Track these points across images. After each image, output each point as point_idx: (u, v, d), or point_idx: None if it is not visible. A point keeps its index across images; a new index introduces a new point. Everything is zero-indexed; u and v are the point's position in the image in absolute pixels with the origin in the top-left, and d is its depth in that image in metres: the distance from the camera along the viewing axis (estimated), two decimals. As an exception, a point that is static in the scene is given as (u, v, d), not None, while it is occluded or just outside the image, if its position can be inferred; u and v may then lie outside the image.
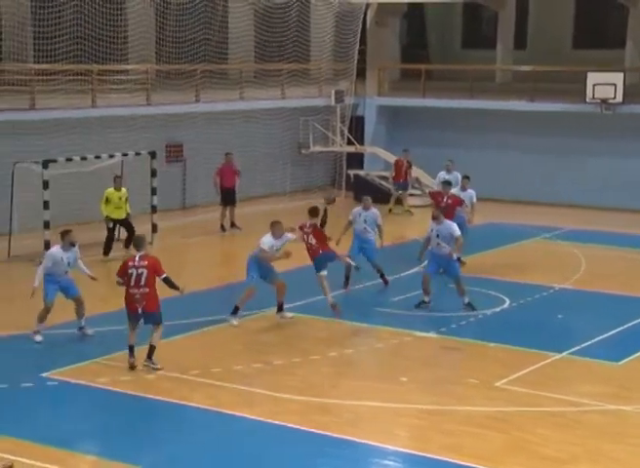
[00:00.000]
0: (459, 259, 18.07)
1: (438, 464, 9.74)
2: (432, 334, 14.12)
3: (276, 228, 14.64)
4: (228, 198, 22.19)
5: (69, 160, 19.28)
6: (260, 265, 14.55)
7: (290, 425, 10.58)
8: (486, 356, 13.26)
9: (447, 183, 18.36)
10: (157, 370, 12.27)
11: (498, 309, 15.56)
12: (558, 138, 26.31)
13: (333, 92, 27.27)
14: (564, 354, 13.23)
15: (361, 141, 28.20)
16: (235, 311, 14.51)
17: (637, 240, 21.21)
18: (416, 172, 26.28)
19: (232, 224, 22.27)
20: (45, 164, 18.29)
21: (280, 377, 12.20)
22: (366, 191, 26.31)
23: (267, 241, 14.61)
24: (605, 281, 17.44)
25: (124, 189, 19.12)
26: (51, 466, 9.44)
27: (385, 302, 15.75)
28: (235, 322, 14.47)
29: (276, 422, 10.64)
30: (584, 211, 25.14)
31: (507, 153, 27.04)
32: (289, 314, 14.84)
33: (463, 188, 18.63)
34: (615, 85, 24.28)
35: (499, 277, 17.63)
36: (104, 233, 19.07)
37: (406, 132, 28.17)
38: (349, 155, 28.01)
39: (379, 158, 27.65)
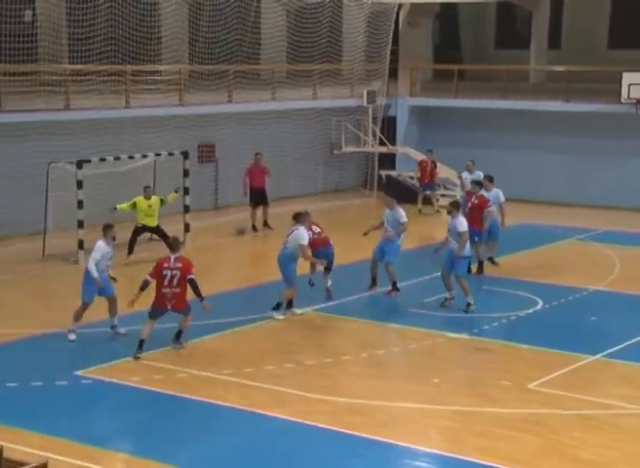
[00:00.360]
0: (491, 260, 18.01)
1: (471, 466, 9.68)
2: (464, 336, 14.06)
3: (306, 219, 14.73)
4: (258, 198, 22.14)
5: (103, 160, 19.42)
6: (290, 262, 14.63)
7: (321, 425, 10.58)
8: (518, 358, 13.18)
9: (476, 184, 18.21)
10: (182, 348, 12.97)
11: (530, 311, 15.45)
12: (592, 139, 26.09)
13: (365, 92, 27.24)
14: (598, 356, 13.12)
15: (393, 142, 28.15)
16: (277, 307, 14.66)
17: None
18: (446, 172, 26.20)
19: (265, 224, 22.29)
20: (79, 164, 18.44)
21: (311, 378, 12.21)
22: (397, 192, 26.39)
23: (305, 234, 14.54)
24: (638, 282, 17.26)
25: (155, 197, 18.92)
26: (84, 463, 9.51)
27: (417, 303, 15.70)
28: (280, 316, 14.65)
29: (308, 422, 10.65)
30: (619, 212, 24.90)
31: (540, 154, 26.85)
32: (298, 310, 14.96)
33: (487, 189, 18.29)
34: (650, 85, 24.04)
35: (531, 278, 17.51)
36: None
37: (438, 132, 28.08)
38: (381, 155, 27.97)
39: (410, 158, 27.58)
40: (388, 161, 28.05)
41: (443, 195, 26.19)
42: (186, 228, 20.44)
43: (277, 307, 14.71)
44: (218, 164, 25.03)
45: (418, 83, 29.05)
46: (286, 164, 26.18)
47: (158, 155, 20.41)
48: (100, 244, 13.65)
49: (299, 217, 14.90)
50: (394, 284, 16.10)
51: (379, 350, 13.40)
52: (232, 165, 24.84)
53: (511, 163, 26.98)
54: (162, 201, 18.92)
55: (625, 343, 13.70)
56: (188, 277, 12.85)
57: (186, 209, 20.56)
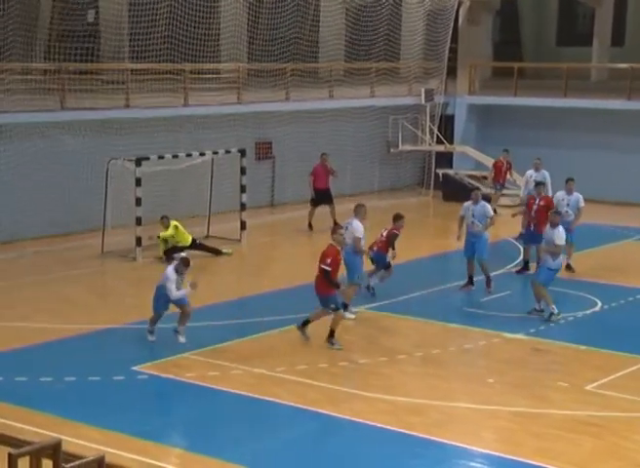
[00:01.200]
0: (568, 266, 17.53)
1: (528, 468, 9.60)
2: (521, 336, 13.91)
3: (362, 211, 14.76)
4: (321, 198, 21.99)
5: (161, 158, 19.63)
6: (352, 259, 14.50)
7: (376, 424, 10.55)
8: (576, 359, 13.01)
9: (539, 184, 17.91)
10: (338, 349, 13.06)
11: (589, 311, 15.24)
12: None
13: (423, 90, 27.11)
14: (659, 359, 12.90)
15: (451, 140, 27.96)
16: (345, 307, 14.22)
17: None
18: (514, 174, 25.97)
19: (335, 223, 21.53)
20: (138, 161, 18.66)
21: (366, 376, 12.19)
22: (454, 190, 26.29)
23: (359, 227, 14.51)
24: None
25: (173, 223, 18.62)
26: (141, 458, 9.61)
27: (474, 303, 15.57)
28: (352, 315, 14.53)
29: (362, 421, 10.62)
30: None
31: (602, 153, 26.43)
32: (351, 315, 14.63)
33: (569, 191, 17.81)
34: None
35: (591, 279, 17.27)
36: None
37: (497, 131, 27.82)
38: (438, 154, 27.81)
39: (468, 157, 27.38)
40: (446, 160, 27.87)
41: (503, 195, 25.94)
42: (243, 226, 20.55)
43: (345, 307, 14.11)
44: (275, 161, 25.13)
45: (477, 81, 28.81)
46: (343, 162, 26.14)
47: (216, 153, 20.56)
48: (170, 272, 13.13)
49: (355, 210, 14.91)
50: (488, 278, 16.18)
51: (434, 350, 13.32)
52: (289, 163, 24.93)
53: (572, 162, 26.53)
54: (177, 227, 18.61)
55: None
56: (322, 266, 13.07)
57: (243, 206, 20.67)
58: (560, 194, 17.80)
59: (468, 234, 16.29)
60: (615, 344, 13.43)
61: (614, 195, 25.83)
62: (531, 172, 20.44)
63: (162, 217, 18.74)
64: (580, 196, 17.82)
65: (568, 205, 17.60)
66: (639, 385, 11.89)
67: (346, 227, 14.49)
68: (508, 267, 18.00)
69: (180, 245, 18.33)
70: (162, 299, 13.24)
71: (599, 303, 15.63)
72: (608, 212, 24.77)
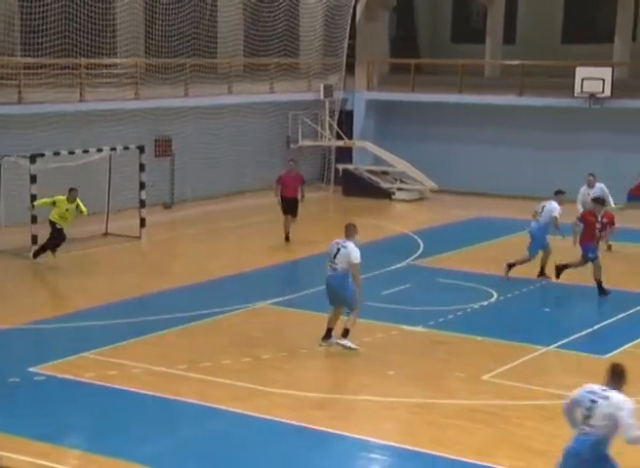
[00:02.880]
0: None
1: (427, 458, 9.75)
2: (420, 328, 14.13)
3: (355, 232, 12.88)
4: (290, 207, 20.03)
5: (57, 154, 19.20)
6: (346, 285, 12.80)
7: (278, 419, 10.57)
8: (473, 349, 13.28)
9: (598, 201, 16.62)
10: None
11: (485, 303, 15.58)
12: (546, 133, 26.34)
13: (322, 86, 27.25)
14: (551, 347, 13.25)
15: (350, 136, 28.19)
16: (346, 334, 12.87)
17: (626, 234, 21.22)
18: (402, 165, 26.26)
19: (286, 238, 20.06)
20: (32, 158, 18.22)
21: (268, 372, 12.19)
22: (355, 186, 26.53)
23: (357, 252, 12.67)
24: (589, 274, 17.41)
25: (78, 201, 17.96)
26: (38, 461, 9.41)
27: (374, 296, 15.71)
28: (354, 346, 12.87)
29: (265, 416, 10.63)
30: (570, 205, 25.07)
31: (496, 148, 27.04)
32: (350, 344, 12.90)
33: (590, 184, 18.67)
34: (603, 79, 24.32)
35: (487, 271, 17.64)
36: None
37: (395, 126, 28.19)
38: (338, 150, 28.00)
39: (367, 152, 27.66)
40: (346, 155, 28.08)
41: (400, 189, 26.31)
42: (142, 223, 20.30)
43: (346, 334, 12.87)
44: (174, 158, 24.88)
45: (375, 77, 29.10)
46: (243, 158, 26.11)
47: (114, 149, 20.24)
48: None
49: (348, 231, 12.87)
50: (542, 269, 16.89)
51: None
52: (189, 160, 24.71)
53: (467, 156, 27.19)
54: (79, 209, 17.97)
55: (579, 334, 13.88)
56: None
57: (142, 203, 20.41)
58: (583, 189, 18.68)
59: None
60: (510, 334, 13.78)
61: (508, 189, 26.46)
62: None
63: (71, 189, 17.93)
64: (603, 185, 18.89)
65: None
66: (532, 374, 12.22)
67: (339, 249, 12.77)
68: (408, 260, 18.26)
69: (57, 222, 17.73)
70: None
71: (495, 295, 16.00)
72: (503, 205, 25.38)
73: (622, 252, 19.41)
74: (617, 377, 7.75)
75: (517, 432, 10.37)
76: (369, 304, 15.31)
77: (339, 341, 12.90)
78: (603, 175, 25.37)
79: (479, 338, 13.67)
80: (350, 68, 28.65)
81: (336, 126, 27.81)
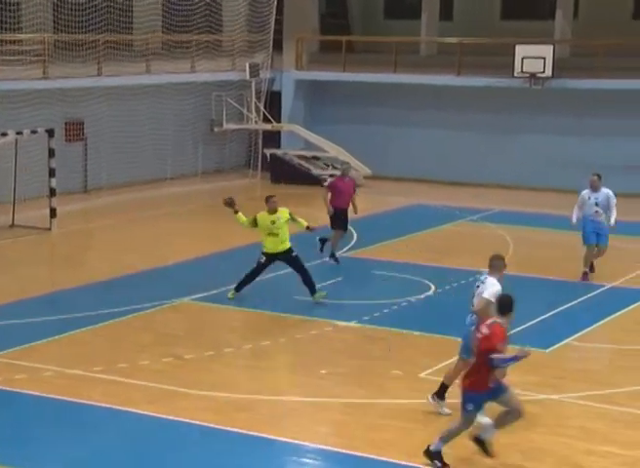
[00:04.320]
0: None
1: (362, 461, 9.78)
2: (354, 324, 14.19)
3: (501, 267, 11.01)
4: (341, 220, 17.81)
5: (-43, 138, 18.80)
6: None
7: (202, 423, 10.51)
8: (410, 345, 13.38)
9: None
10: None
11: (422, 296, 15.71)
12: (486, 114, 26.64)
13: (247, 65, 27.11)
14: (491, 342, 13.41)
15: (278, 119, 28.12)
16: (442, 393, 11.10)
17: (567, 221, 21.59)
18: (333, 149, 26.26)
19: (332, 255, 17.86)
20: None
21: (191, 372, 12.11)
22: (282, 172, 26.46)
23: (494, 287, 10.74)
24: (533, 264, 17.74)
25: (283, 210, 15.11)
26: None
27: (305, 291, 15.73)
28: (447, 409, 10.94)
29: (185, 420, 10.56)
30: (512, 191, 25.54)
31: (435, 131, 27.25)
32: (446, 409, 10.95)
33: (595, 189, 16.49)
34: (544, 58, 24.65)
35: (423, 262, 17.79)
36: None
37: (326, 108, 28.21)
38: (266, 133, 27.91)
39: (297, 136, 27.61)
40: (274, 139, 28.02)
41: (332, 175, 26.33)
42: (53, 213, 20.00)
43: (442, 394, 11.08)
44: (87, 143, 24.51)
45: (304, 55, 29.06)
46: (163, 143, 25.86)
47: (20, 133, 19.87)
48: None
49: (495, 263, 10.97)
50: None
51: (263, 341, 13.37)
52: (104, 144, 24.39)
53: (405, 140, 27.34)
54: (292, 218, 15.17)
55: (519, 328, 14.01)
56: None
57: (52, 192, 20.11)
58: (585, 192, 16.62)
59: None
60: (448, 329, 13.82)
61: (446, 174, 26.71)
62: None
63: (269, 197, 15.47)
64: (610, 192, 16.59)
65: (597, 204, 16.50)
66: (472, 370, 12.35)
67: (478, 285, 10.89)
68: (341, 252, 18.29)
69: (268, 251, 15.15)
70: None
71: (432, 287, 16.14)
72: (442, 192, 25.61)
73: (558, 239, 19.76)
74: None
75: (456, 431, 10.46)
76: (299, 299, 15.38)
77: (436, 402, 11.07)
78: (543, 158, 25.97)
79: (416, 333, 13.78)
80: (278, 46, 28.56)
81: (262, 108, 27.72)
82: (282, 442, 10.21)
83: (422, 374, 12.14)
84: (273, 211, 14.94)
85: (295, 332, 13.85)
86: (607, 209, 16.46)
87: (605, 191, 16.53)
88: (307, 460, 9.94)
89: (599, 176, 16.64)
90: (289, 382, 12.04)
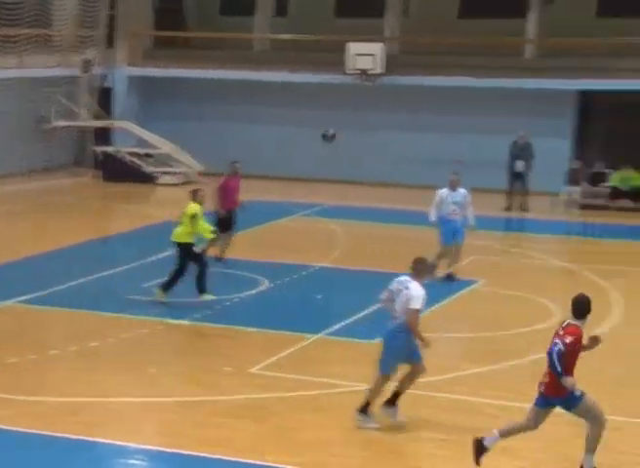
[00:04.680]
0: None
1: (194, 460, 9.68)
2: (186, 322, 14.10)
3: (427, 270, 10.93)
4: (228, 222, 17.27)
5: None
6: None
7: (23, 430, 10.18)
8: (242, 341, 13.40)
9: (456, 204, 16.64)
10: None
11: (254, 291, 15.77)
12: (320, 111, 26.92)
13: (79, 61, 26.53)
14: (321, 335, 13.59)
15: (110, 115, 27.62)
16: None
17: (399, 215, 22.13)
18: (167, 146, 26.05)
19: (220, 256, 17.34)
20: None
21: (14, 377, 11.74)
22: (115, 170, 26.03)
23: (419, 296, 10.30)
24: (364, 258, 18.07)
25: (193, 206, 14.83)
26: None
27: (135, 289, 15.54)
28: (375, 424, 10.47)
29: (6, 428, 10.20)
30: (343, 186, 25.96)
31: (269, 126, 27.41)
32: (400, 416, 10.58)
33: (453, 187, 16.59)
34: (374, 55, 25.14)
35: (256, 258, 17.84)
36: None
37: (162, 104, 27.96)
38: (97, 131, 27.39)
39: (130, 133, 27.22)
40: (105, 137, 27.52)
41: (165, 173, 26.10)
42: None
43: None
44: None
45: (138, 51, 28.65)
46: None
47: None
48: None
49: (418, 266, 10.50)
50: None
51: (90, 342, 13.08)
52: None
53: (238, 135, 27.33)
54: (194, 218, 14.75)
55: (350, 320, 14.31)
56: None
57: None
58: (444, 191, 16.64)
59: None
60: (280, 323, 14.02)
61: (283, 170, 26.88)
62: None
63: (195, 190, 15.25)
64: (467, 192, 16.73)
65: (455, 203, 16.60)
66: (303, 363, 12.49)
67: (401, 290, 10.54)
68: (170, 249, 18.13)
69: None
70: None
71: (264, 282, 16.22)
72: (276, 187, 25.76)
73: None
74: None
75: (286, 425, 10.53)
76: (129, 298, 15.17)
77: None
78: (374, 154, 26.47)
79: (249, 329, 13.82)
80: (111, 42, 28.08)
81: (94, 104, 27.17)
82: (109, 444, 10.03)
83: (253, 370, 12.17)
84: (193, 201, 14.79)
85: (125, 332, 13.63)
86: (463, 207, 16.65)
87: (462, 191, 16.70)
88: (134, 462, 9.80)
89: (458, 175, 16.83)
90: (117, 383, 11.81)
